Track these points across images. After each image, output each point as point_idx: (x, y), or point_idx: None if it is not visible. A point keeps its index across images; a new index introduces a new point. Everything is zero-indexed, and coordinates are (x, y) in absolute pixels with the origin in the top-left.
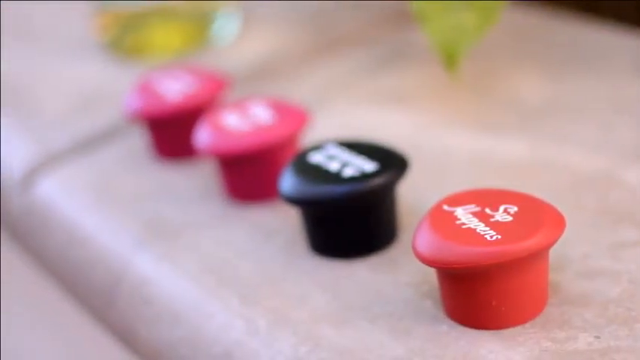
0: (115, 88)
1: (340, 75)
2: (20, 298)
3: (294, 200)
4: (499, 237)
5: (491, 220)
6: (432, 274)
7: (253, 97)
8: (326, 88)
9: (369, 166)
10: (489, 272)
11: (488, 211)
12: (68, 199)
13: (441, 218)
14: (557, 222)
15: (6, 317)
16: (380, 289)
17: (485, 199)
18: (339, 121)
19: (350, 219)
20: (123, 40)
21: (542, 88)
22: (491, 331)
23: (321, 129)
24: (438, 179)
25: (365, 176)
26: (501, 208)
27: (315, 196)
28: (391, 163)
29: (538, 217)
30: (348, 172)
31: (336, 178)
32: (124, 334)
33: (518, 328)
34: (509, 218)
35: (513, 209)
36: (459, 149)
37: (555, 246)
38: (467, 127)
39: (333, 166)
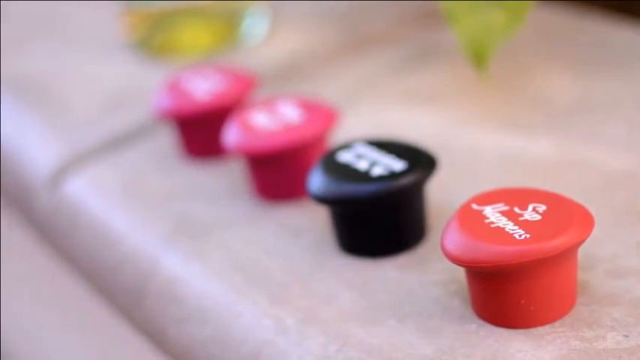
0: (144, 88)
1: (369, 74)
2: (49, 298)
3: (323, 199)
4: (528, 236)
5: (520, 219)
6: (460, 272)
7: (282, 96)
8: (354, 87)
9: (397, 165)
10: (518, 271)
11: (516, 210)
12: (97, 198)
13: (469, 217)
14: (586, 221)
15: (35, 316)
16: (409, 288)
17: (514, 198)
18: (368, 120)
19: (379, 218)
20: (152, 40)
21: (570, 87)
22: (520, 330)
23: (349, 128)
24: (467, 178)
25: (394, 175)
26: (530, 207)
27: (344, 195)
28: (420, 162)
29: (567, 216)
30: (377, 171)
31: (364, 177)
32: (152, 333)
33: (546, 327)
34: (538, 217)
35: (542, 208)
36: (487, 148)
37: (584, 245)
38: (495, 126)
39: (362, 165)
